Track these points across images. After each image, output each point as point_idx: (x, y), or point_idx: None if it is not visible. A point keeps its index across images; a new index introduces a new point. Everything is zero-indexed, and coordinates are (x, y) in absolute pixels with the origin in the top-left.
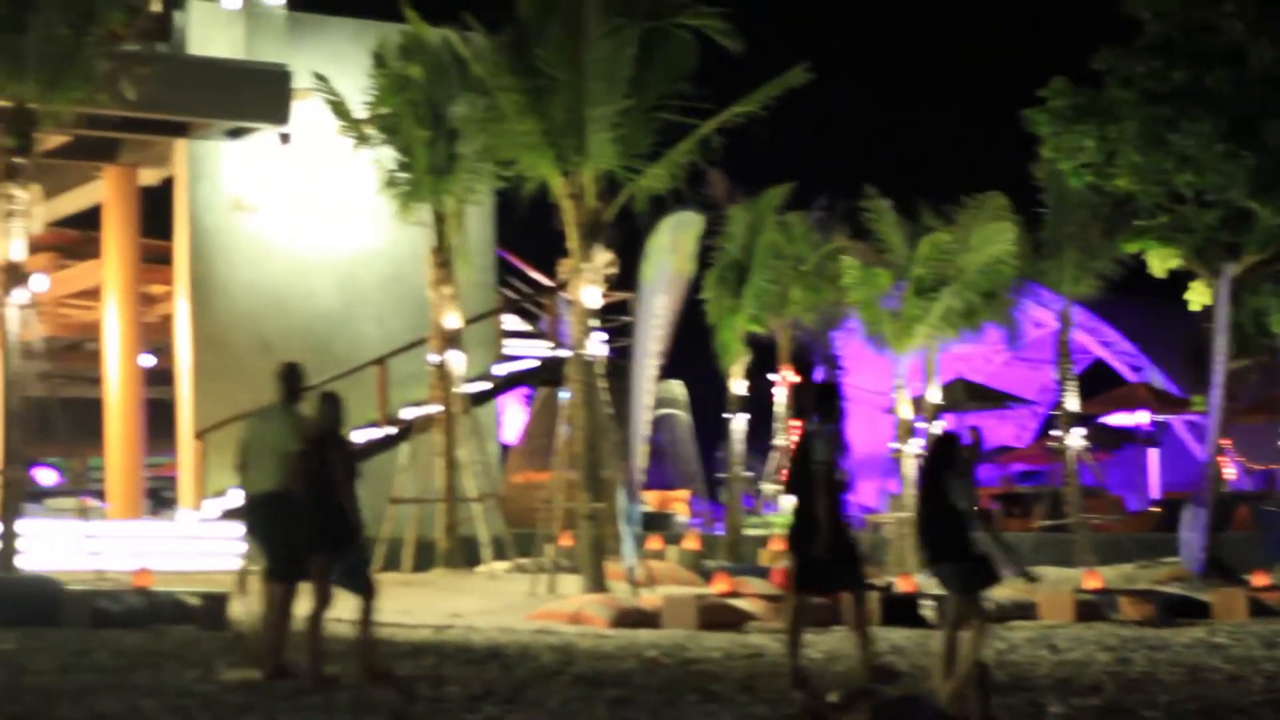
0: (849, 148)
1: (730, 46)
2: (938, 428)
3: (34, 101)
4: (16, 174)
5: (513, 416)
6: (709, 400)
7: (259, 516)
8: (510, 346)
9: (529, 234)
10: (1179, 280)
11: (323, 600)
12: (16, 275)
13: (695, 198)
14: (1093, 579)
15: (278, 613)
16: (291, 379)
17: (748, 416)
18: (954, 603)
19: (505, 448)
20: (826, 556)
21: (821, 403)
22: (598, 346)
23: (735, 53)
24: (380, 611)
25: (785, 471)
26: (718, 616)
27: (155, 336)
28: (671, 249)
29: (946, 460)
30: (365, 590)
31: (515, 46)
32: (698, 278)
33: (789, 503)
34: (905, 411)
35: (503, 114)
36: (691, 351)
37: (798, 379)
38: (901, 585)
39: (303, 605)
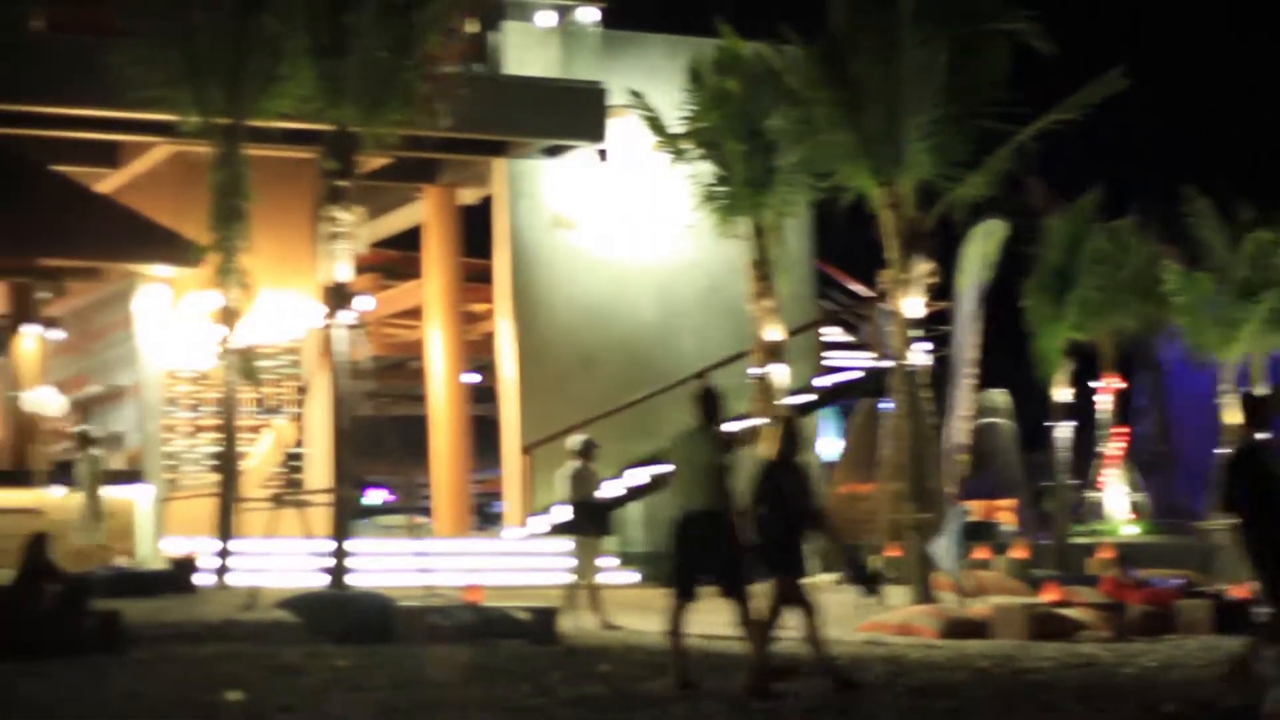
0: (1163, 150)
1: (1043, 50)
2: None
3: (355, 125)
4: (340, 197)
5: (829, 428)
6: (1034, 408)
7: (685, 535)
8: (831, 358)
9: (848, 245)
10: None
11: (808, 611)
12: (342, 296)
13: (1012, 205)
14: None
15: (749, 626)
16: (709, 401)
17: (1073, 424)
18: None
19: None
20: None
21: (1258, 415)
22: (920, 357)
23: (1048, 56)
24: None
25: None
26: (1048, 626)
27: (478, 354)
28: (980, 258)
29: None
30: (872, 590)
31: (829, 57)
32: (1016, 286)
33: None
34: (1233, 418)
35: (818, 125)
36: (1016, 360)
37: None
38: (1234, 592)
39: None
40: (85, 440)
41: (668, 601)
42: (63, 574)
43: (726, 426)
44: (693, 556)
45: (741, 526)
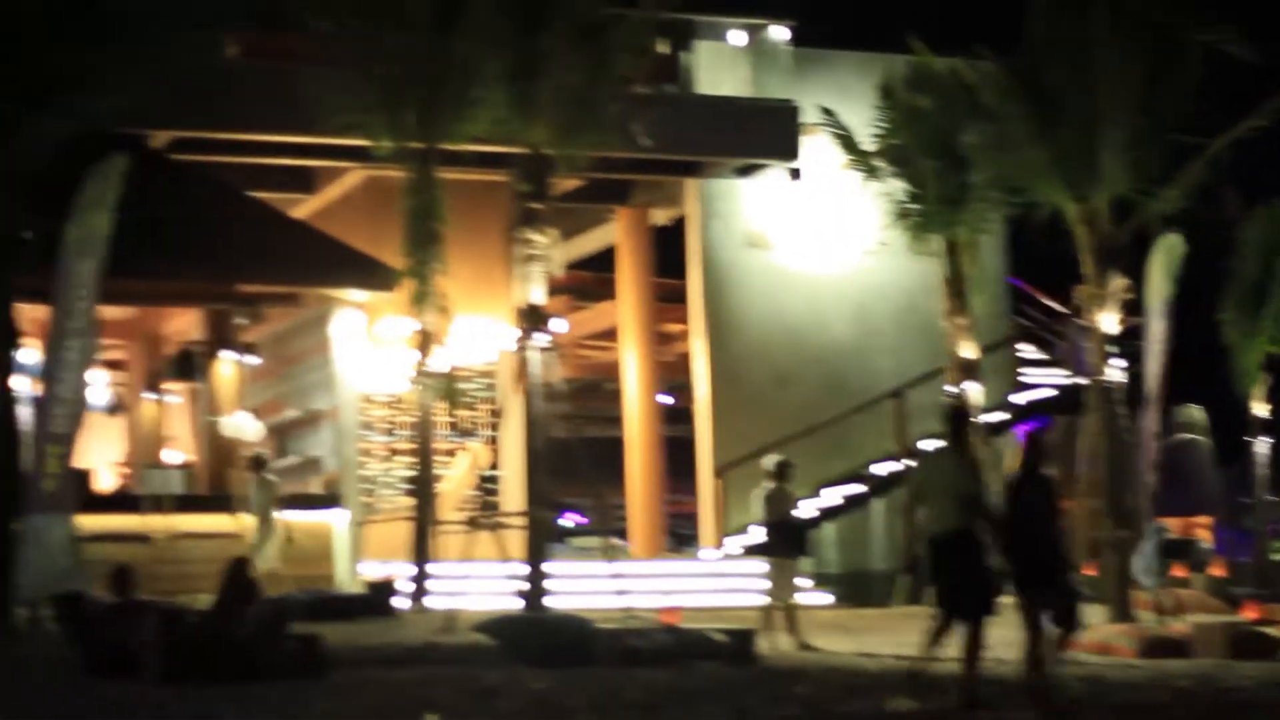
0: None
1: (1245, 58)
2: None
3: (548, 147)
4: (533, 219)
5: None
6: (1232, 424)
7: (940, 556)
8: (1026, 375)
9: (1042, 260)
10: None
11: (1034, 634)
12: (537, 318)
13: (1207, 217)
14: None
15: (971, 648)
16: (957, 420)
17: (1271, 439)
18: None
19: None
20: None
21: None
22: (1116, 373)
23: (1248, 63)
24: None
25: None
26: (1248, 645)
27: (672, 375)
28: (1164, 272)
29: None
30: (1069, 623)
31: (1023, 72)
32: (1215, 299)
33: None
34: None
35: (1012, 141)
36: (1215, 375)
37: None
38: None
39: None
40: (258, 465)
41: (931, 622)
42: (262, 598)
43: (972, 445)
44: (945, 577)
45: (994, 546)
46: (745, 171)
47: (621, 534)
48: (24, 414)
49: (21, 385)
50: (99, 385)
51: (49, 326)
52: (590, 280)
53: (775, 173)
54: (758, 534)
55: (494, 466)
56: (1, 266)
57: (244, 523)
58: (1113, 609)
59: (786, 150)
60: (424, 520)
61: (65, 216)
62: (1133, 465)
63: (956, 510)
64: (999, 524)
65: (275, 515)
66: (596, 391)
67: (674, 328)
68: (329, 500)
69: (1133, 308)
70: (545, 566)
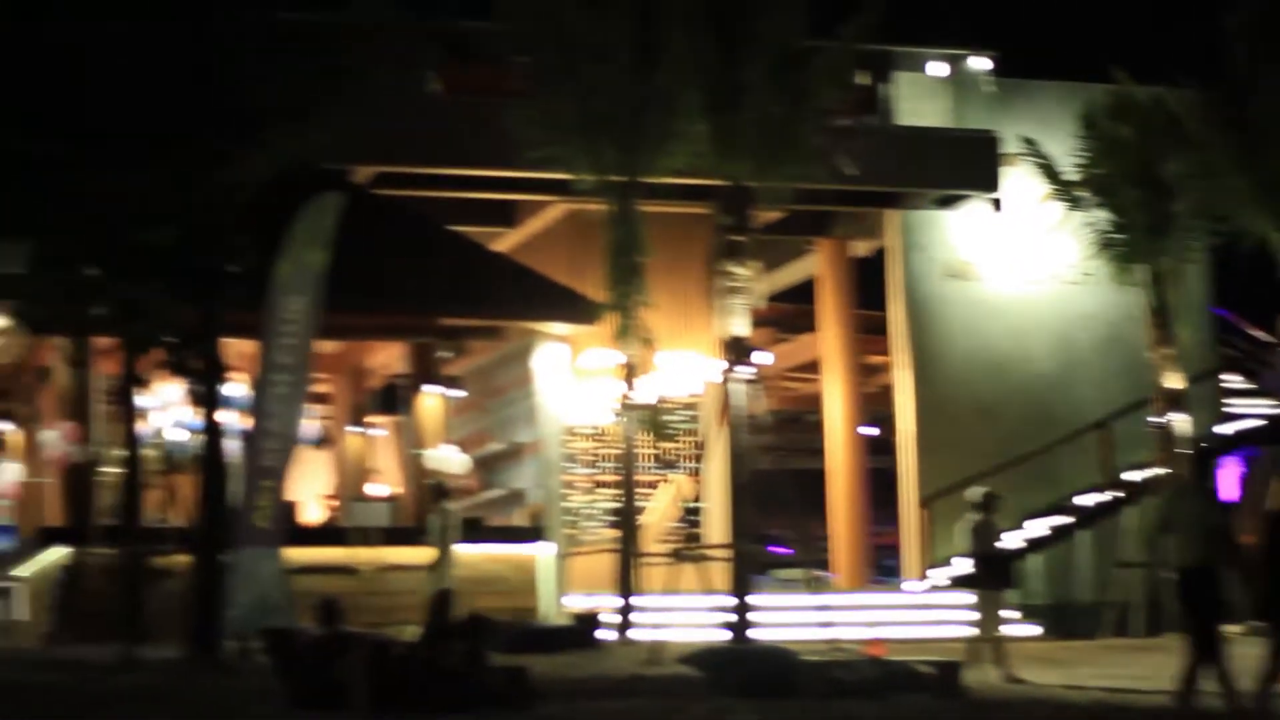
0: None
1: None
2: None
3: (749, 180)
4: (735, 251)
5: (1229, 476)
6: None
7: (1187, 589)
8: (1232, 405)
9: (1248, 289)
10: None
11: (1275, 663)
12: (740, 351)
13: None
14: None
15: (1190, 678)
16: (1203, 459)
17: None
18: None
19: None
20: None
21: None
22: None
23: None
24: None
25: None
26: None
27: (875, 406)
28: None
29: None
30: None
31: (1226, 100)
32: None
33: None
34: None
35: (1216, 169)
36: None
37: None
38: None
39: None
40: (439, 493)
41: (1185, 658)
42: (469, 630)
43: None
44: (1192, 609)
45: (1237, 580)
46: (946, 202)
47: (824, 565)
48: (232, 448)
49: (229, 419)
50: (307, 419)
51: (258, 361)
52: (792, 312)
53: (976, 203)
54: (962, 565)
55: (697, 498)
56: (209, 301)
57: (457, 555)
58: None
59: (987, 181)
60: (628, 552)
61: (271, 252)
62: None
63: (1203, 544)
64: (1246, 555)
65: (452, 546)
66: (798, 423)
67: (876, 359)
68: (533, 533)
69: None
70: (750, 598)
